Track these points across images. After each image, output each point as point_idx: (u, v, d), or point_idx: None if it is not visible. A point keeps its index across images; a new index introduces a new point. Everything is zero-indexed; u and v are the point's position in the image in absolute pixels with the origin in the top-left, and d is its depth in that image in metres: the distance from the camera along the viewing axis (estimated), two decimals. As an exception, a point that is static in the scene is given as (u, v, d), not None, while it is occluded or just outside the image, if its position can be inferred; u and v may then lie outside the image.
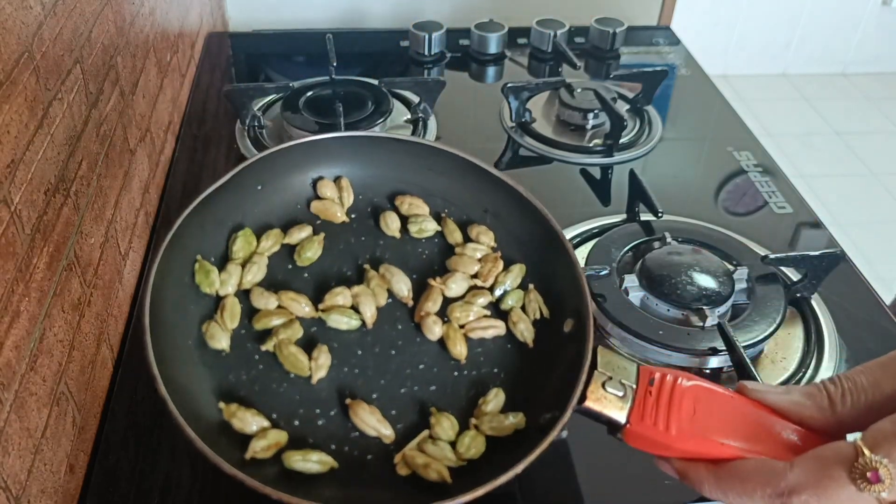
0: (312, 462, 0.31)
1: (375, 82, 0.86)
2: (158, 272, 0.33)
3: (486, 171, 0.39)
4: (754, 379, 0.51)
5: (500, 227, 0.40)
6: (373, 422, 0.33)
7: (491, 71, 1.00)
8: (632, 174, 0.70)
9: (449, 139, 0.83)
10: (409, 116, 0.84)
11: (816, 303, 0.62)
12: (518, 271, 0.39)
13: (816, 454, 0.28)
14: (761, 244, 0.68)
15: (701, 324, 0.56)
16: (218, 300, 0.36)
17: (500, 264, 0.39)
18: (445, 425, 0.33)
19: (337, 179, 0.40)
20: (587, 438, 0.51)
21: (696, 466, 0.30)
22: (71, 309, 0.48)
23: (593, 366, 0.33)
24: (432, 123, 0.84)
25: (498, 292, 0.38)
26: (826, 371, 0.56)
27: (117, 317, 0.58)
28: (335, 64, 0.86)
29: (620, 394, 0.32)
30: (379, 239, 0.40)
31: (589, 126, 0.85)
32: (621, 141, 0.83)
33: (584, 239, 0.68)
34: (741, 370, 0.53)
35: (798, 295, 0.61)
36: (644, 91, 0.88)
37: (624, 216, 0.70)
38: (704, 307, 0.57)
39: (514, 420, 0.34)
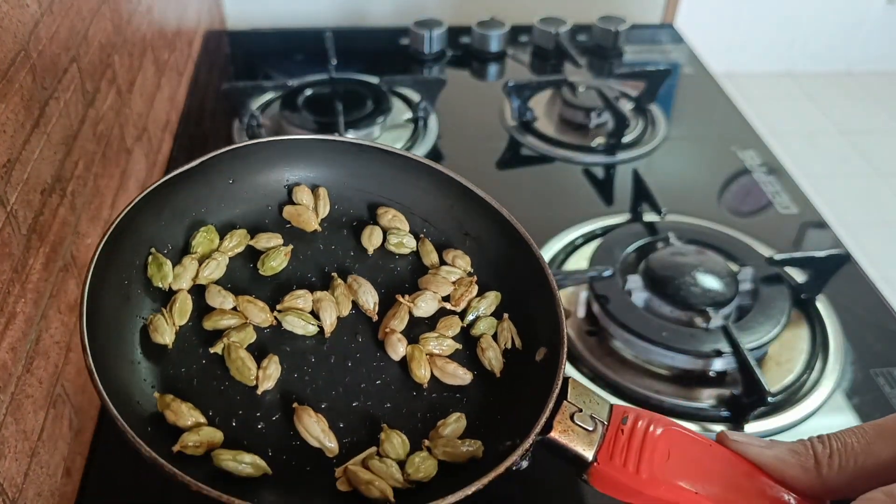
0: (244, 464, 0.29)
1: (375, 81, 0.85)
2: (103, 255, 0.31)
3: (473, 193, 0.36)
4: (759, 382, 0.50)
5: (479, 254, 0.38)
6: (317, 431, 0.31)
7: (492, 69, 0.99)
8: (635, 173, 0.70)
9: (450, 138, 0.82)
10: (409, 115, 0.84)
11: (822, 304, 0.61)
12: (493, 299, 0.37)
13: None
14: (766, 244, 0.67)
15: (705, 325, 0.56)
16: (169, 295, 0.34)
17: (475, 289, 0.37)
18: (396, 442, 0.31)
19: (315, 188, 0.39)
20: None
21: None
22: (67, 310, 0.48)
23: (563, 395, 0.30)
24: (433, 122, 0.83)
25: (470, 317, 0.36)
26: (831, 373, 0.55)
27: (115, 318, 0.58)
28: (334, 62, 0.85)
29: (590, 428, 0.29)
30: (350, 251, 0.38)
31: (592, 125, 0.84)
32: (624, 140, 0.82)
33: (587, 239, 0.68)
34: (745, 373, 0.52)
35: (803, 296, 0.61)
36: (647, 89, 0.87)
37: (627, 216, 0.70)
38: (708, 308, 0.56)
39: (471, 448, 0.31)
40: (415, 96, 0.85)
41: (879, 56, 2.48)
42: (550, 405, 0.29)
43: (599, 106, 0.83)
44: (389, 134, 0.81)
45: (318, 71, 0.88)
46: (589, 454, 0.29)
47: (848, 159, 2.10)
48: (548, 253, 0.66)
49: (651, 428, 0.29)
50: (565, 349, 0.31)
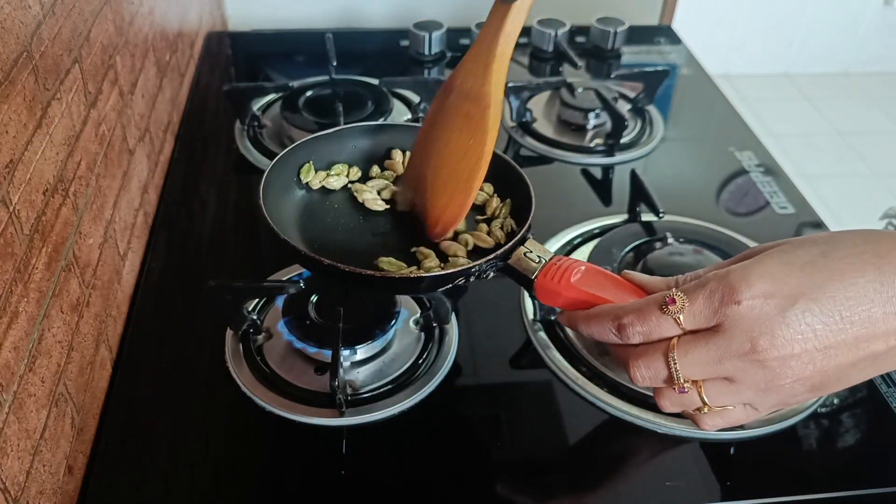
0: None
1: (375, 82, 0.86)
2: (277, 163, 0.52)
3: (512, 166, 0.55)
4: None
5: (500, 184, 0.55)
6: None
7: (492, 70, 1.00)
8: (633, 174, 0.70)
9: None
10: (409, 116, 0.84)
11: (818, 303, 0.61)
12: (508, 203, 0.54)
13: (647, 297, 0.39)
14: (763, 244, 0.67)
15: (702, 325, 0.56)
16: (308, 188, 0.55)
17: (496, 200, 0.55)
18: (429, 265, 0.49)
19: (404, 150, 0.58)
20: (594, 445, 0.51)
21: (576, 312, 0.41)
22: (70, 310, 0.48)
23: (521, 243, 0.46)
24: (433, 123, 0.83)
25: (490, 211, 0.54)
26: (828, 372, 0.56)
27: (116, 317, 0.58)
28: (335, 63, 0.85)
29: (536, 261, 0.45)
30: None
31: (590, 126, 0.84)
32: (622, 141, 0.82)
33: (585, 239, 0.68)
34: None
35: (800, 295, 0.61)
36: (645, 91, 0.88)
37: (625, 216, 0.70)
38: (706, 308, 0.56)
39: (463, 262, 0.49)
40: (415, 97, 0.86)
41: (876, 57, 2.49)
42: (511, 244, 0.46)
43: (598, 107, 0.84)
44: (389, 135, 0.81)
45: (318, 72, 0.88)
46: (532, 275, 0.44)
47: (845, 160, 2.11)
48: (547, 253, 0.66)
49: (574, 263, 0.43)
50: (528, 223, 0.48)
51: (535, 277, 0.44)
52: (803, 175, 2.00)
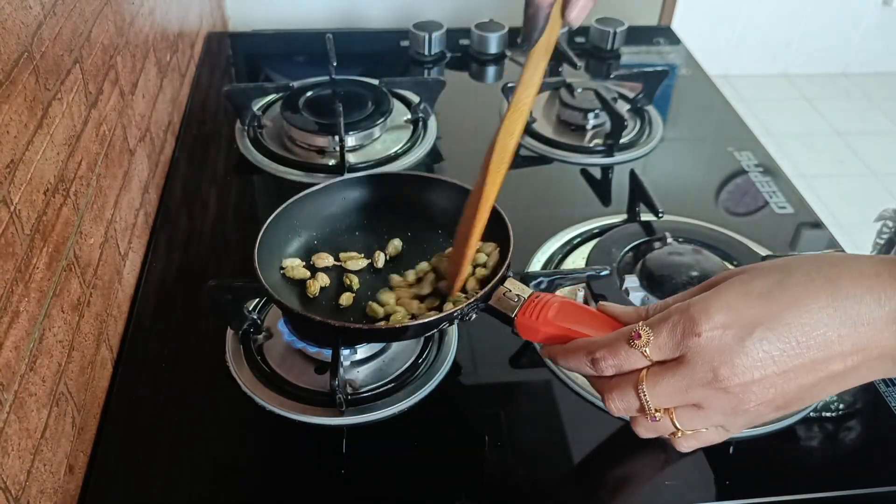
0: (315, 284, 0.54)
1: (375, 82, 0.86)
2: (271, 223, 0.55)
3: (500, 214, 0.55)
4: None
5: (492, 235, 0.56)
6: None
7: (491, 71, 1.00)
8: (632, 174, 0.70)
9: (449, 139, 0.83)
10: (409, 116, 0.84)
11: (817, 303, 0.61)
12: (493, 247, 0.55)
13: (617, 331, 0.40)
14: (762, 244, 0.67)
15: (701, 324, 0.56)
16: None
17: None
18: (402, 315, 0.51)
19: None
20: (594, 445, 0.51)
21: (555, 347, 0.43)
22: (70, 309, 0.48)
23: (500, 283, 0.49)
24: (432, 123, 0.84)
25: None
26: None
27: (117, 317, 0.58)
28: (335, 64, 0.86)
29: (514, 301, 0.47)
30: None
31: (589, 126, 0.85)
32: (622, 141, 0.82)
33: (584, 239, 0.68)
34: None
35: (799, 295, 0.61)
36: (645, 91, 0.88)
37: (624, 216, 0.70)
38: (705, 308, 0.57)
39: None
40: (414, 98, 0.86)
41: (875, 57, 2.49)
42: (490, 286, 0.48)
43: (597, 107, 0.84)
44: (389, 135, 0.81)
45: (319, 72, 0.88)
46: (512, 313, 0.47)
47: (843, 160, 2.11)
48: (546, 252, 0.66)
49: (551, 299, 0.45)
50: (507, 262, 0.50)
51: (515, 315, 0.46)
52: (802, 175, 2.01)
